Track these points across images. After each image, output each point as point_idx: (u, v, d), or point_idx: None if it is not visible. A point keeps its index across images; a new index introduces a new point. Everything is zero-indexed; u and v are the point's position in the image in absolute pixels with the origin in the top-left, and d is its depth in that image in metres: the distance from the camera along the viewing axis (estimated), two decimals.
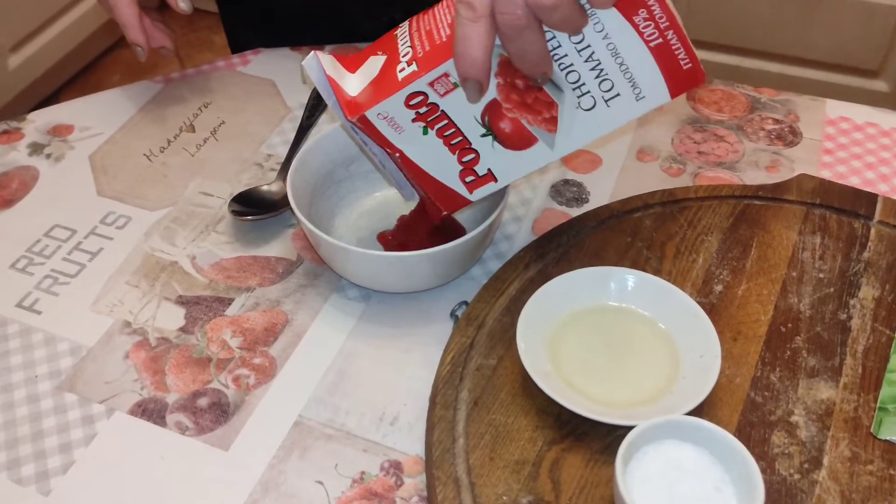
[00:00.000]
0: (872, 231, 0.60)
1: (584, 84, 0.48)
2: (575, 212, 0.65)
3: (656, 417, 0.44)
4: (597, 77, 0.48)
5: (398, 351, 0.56)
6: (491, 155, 0.52)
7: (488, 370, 0.52)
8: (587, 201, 0.66)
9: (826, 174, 0.67)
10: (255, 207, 0.64)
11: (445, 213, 0.56)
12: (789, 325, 0.54)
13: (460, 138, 0.51)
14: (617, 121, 0.50)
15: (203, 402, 0.53)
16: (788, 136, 0.71)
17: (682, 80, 0.48)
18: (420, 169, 0.53)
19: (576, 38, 0.46)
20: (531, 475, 0.47)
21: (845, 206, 0.61)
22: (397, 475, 0.49)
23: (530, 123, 0.50)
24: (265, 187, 0.65)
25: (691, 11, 1.58)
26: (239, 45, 0.90)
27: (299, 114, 0.74)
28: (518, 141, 0.51)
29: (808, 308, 0.55)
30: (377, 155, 0.54)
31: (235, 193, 0.65)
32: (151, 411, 0.52)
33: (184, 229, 0.64)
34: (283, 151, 0.70)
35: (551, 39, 0.47)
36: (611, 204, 0.63)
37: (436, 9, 0.51)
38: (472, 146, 0.52)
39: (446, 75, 0.48)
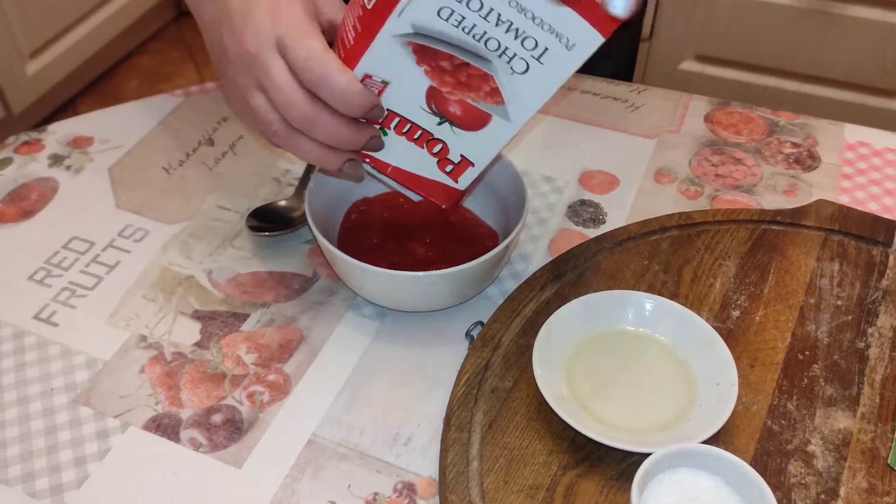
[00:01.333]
0: (891, 259, 0.59)
1: (507, 49, 0.46)
2: (592, 232, 0.65)
3: (672, 445, 0.44)
4: (516, 38, 0.46)
5: (413, 370, 0.56)
6: (456, 140, 0.52)
7: (503, 392, 0.52)
8: (604, 222, 0.66)
9: (844, 199, 0.67)
10: (272, 223, 0.64)
11: (445, 206, 0.57)
12: (807, 352, 0.54)
13: (420, 131, 0.51)
14: (560, 75, 0.47)
15: (217, 418, 0.53)
16: (807, 160, 0.71)
17: (605, 16, 0.43)
18: (404, 171, 0.54)
19: (475, 6, 0.44)
20: (546, 500, 0.47)
21: (864, 232, 0.61)
22: (410, 497, 0.49)
23: (476, 100, 0.49)
24: (282, 202, 0.66)
25: (707, 28, 1.59)
26: None
27: None
28: (473, 120, 0.50)
29: (825, 336, 0.55)
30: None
31: (253, 208, 0.65)
32: (166, 427, 0.53)
33: (200, 243, 0.64)
34: (299, 167, 0.70)
35: (452, 15, 0.45)
36: (628, 226, 0.63)
37: (348, 6, 0.50)
38: (435, 136, 0.51)
39: (368, 77, 0.48)
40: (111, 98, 2.09)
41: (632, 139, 0.73)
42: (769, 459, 0.49)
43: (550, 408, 0.48)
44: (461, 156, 0.53)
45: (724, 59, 1.62)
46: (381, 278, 0.54)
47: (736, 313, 0.56)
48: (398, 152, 0.53)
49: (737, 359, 0.52)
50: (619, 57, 0.90)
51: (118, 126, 0.75)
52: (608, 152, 0.72)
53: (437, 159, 0.53)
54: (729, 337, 0.55)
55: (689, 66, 1.66)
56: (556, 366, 0.51)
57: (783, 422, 0.50)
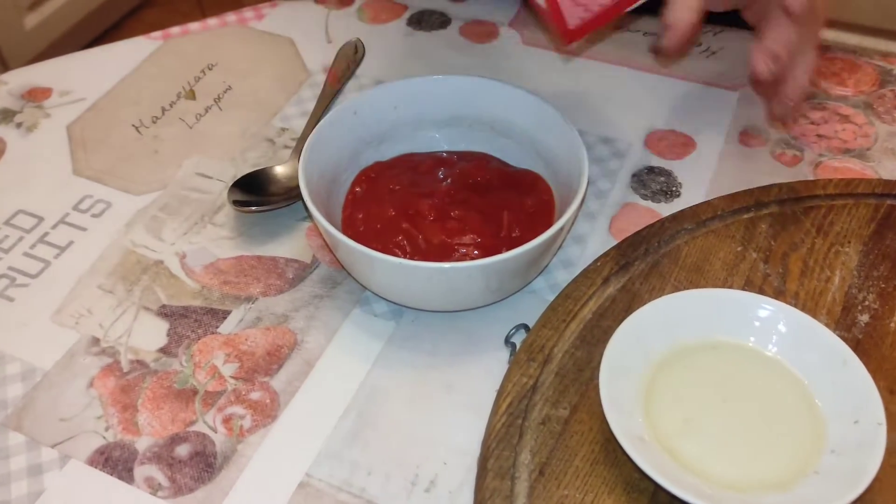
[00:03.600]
0: None
1: None
2: (663, 208, 0.51)
3: None
4: None
5: (437, 388, 0.43)
6: None
7: (558, 424, 0.39)
8: (678, 195, 0.52)
9: None
10: (261, 195, 0.51)
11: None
12: None
13: None
14: None
15: (183, 450, 0.41)
16: None
17: None
18: None
19: None
20: None
21: None
22: None
23: None
24: (277, 169, 0.53)
25: None
26: None
27: (321, 79, 0.61)
28: None
29: None
30: None
31: (239, 176, 0.52)
32: (116, 461, 0.40)
33: (174, 220, 0.51)
34: (300, 125, 0.57)
35: None
36: (713, 200, 0.49)
37: None
38: None
39: None
40: None
41: (708, 91, 0.59)
42: None
43: (623, 448, 0.36)
44: None
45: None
46: (394, 271, 0.41)
47: (864, 318, 0.43)
48: None
49: None
50: None
51: (83, 75, 0.62)
52: (680, 107, 0.58)
53: None
54: (858, 350, 0.41)
55: None
56: (631, 392, 0.38)
57: None
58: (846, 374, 0.37)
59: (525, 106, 0.49)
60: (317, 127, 0.47)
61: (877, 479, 0.36)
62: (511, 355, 0.43)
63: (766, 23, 0.48)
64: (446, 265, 0.40)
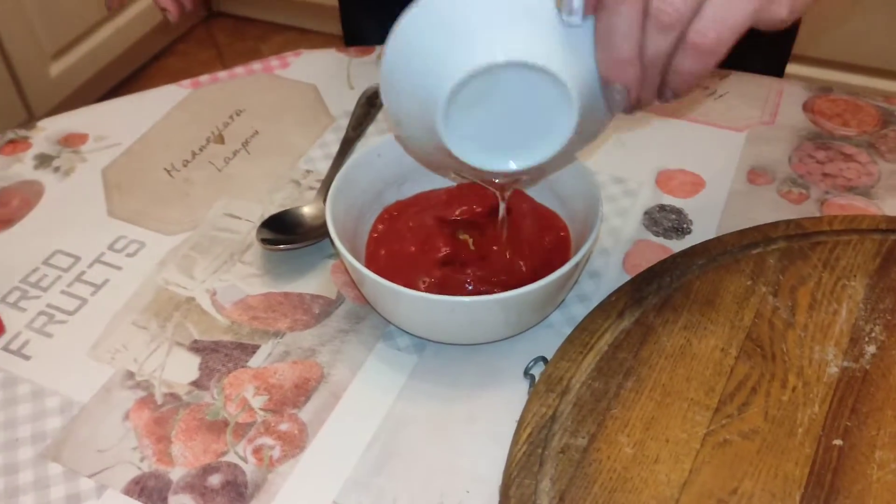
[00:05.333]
0: None
1: None
2: (674, 245, 0.53)
3: None
4: None
5: (459, 420, 0.45)
6: None
7: (577, 453, 0.40)
8: (689, 232, 0.54)
9: None
10: (288, 233, 0.53)
11: None
12: None
13: None
14: None
15: (215, 480, 0.42)
16: None
17: None
18: None
19: None
20: None
21: None
22: None
23: None
24: (303, 209, 0.55)
25: (813, 28, 1.42)
26: (354, 35, 0.83)
27: (344, 123, 0.63)
28: None
29: None
30: None
31: (267, 216, 0.55)
32: (151, 490, 0.42)
33: (205, 258, 0.54)
34: (324, 167, 0.60)
35: None
36: (723, 237, 0.51)
37: None
38: None
39: None
40: None
41: (716, 132, 0.61)
42: None
43: (641, 474, 0.37)
44: None
45: (830, 60, 1.45)
46: (418, 304, 0.43)
47: (871, 349, 0.44)
48: None
49: (878, 409, 0.41)
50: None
51: (117, 121, 0.65)
52: (689, 148, 0.60)
53: None
54: (865, 380, 0.43)
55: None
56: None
57: None
58: None
59: None
60: (343, 168, 0.49)
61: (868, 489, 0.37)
62: (530, 387, 0.45)
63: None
64: (467, 299, 0.42)
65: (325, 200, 0.56)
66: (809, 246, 0.50)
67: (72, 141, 0.63)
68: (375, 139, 0.62)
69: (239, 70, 0.70)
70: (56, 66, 1.80)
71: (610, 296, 0.48)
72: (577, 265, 0.44)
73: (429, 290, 0.47)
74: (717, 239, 0.51)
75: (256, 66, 0.70)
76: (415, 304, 0.43)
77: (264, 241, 0.52)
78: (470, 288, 0.46)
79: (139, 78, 2.07)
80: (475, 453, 0.43)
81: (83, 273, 0.53)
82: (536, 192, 0.53)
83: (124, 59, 2.00)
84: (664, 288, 0.48)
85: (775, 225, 0.51)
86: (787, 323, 0.46)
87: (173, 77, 2.14)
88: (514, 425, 0.43)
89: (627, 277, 0.51)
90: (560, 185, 0.51)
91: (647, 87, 0.39)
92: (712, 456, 0.40)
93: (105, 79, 1.97)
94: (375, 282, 0.43)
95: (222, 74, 0.69)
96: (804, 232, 0.51)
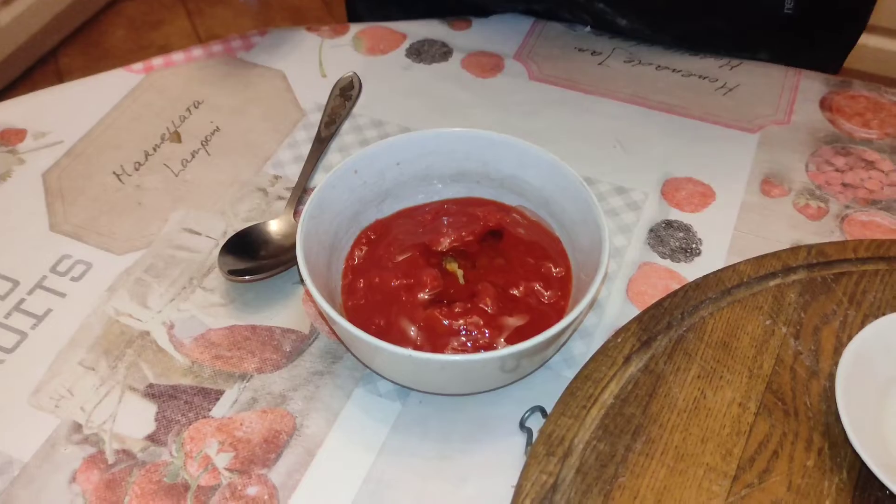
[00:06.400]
0: None
1: None
2: (683, 268, 0.48)
3: None
4: None
5: (449, 480, 0.40)
6: None
7: None
8: (698, 253, 0.49)
9: None
10: (255, 256, 0.47)
11: None
12: None
13: None
14: None
15: None
16: None
17: None
18: None
19: None
20: None
21: None
22: None
23: None
24: (271, 225, 0.49)
25: None
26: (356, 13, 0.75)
27: (315, 119, 0.57)
28: None
29: None
30: None
31: (230, 233, 0.49)
32: None
33: (160, 283, 0.48)
34: (293, 172, 0.54)
35: None
36: (738, 266, 0.46)
37: None
38: None
39: None
40: (96, 49, 1.90)
41: (727, 133, 0.56)
42: None
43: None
44: None
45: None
46: (402, 361, 0.38)
47: None
48: None
49: None
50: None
51: (59, 114, 0.58)
52: (697, 151, 0.55)
53: None
54: None
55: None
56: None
57: None
58: None
59: (538, 165, 0.46)
60: (315, 192, 0.43)
61: None
62: (527, 444, 0.40)
63: None
64: (460, 358, 0.37)
65: (295, 214, 0.50)
66: (833, 277, 0.45)
67: (8, 137, 0.56)
68: (350, 140, 0.55)
69: (197, 52, 0.62)
70: (6, 12, 1.68)
71: (615, 337, 0.43)
72: (582, 311, 0.39)
73: (414, 339, 0.41)
74: (732, 268, 0.46)
75: (216, 47, 0.63)
76: (399, 360, 0.38)
77: (231, 272, 0.46)
78: (462, 332, 0.41)
79: (97, 23, 1.95)
80: None
81: (23, 301, 0.47)
82: (534, 209, 0.47)
83: (80, 4, 1.88)
84: (674, 327, 0.43)
85: (795, 252, 0.46)
86: (810, 371, 0.41)
87: (133, 22, 2.02)
88: (510, 488, 0.39)
89: (632, 307, 0.46)
90: (559, 208, 0.45)
91: None
92: None
93: (61, 25, 1.85)
94: (353, 334, 0.38)
95: (178, 56, 0.62)
96: (827, 260, 0.46)
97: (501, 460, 0.40)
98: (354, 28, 0.64)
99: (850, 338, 0.42)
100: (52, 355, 0.45)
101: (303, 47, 0.63)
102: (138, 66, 0.61)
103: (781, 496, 0.37)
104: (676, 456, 0.38)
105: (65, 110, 0.58)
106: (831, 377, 0.41)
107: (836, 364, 0.41)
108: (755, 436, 0.39)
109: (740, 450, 0.39)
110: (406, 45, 0.63)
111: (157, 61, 0.62)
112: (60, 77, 1.78)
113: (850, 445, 0.38)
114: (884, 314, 0.43)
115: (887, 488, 0.36)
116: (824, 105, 0.57)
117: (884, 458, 0.37)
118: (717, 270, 0.46)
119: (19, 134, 0.57)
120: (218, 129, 0.57)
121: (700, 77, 0.60)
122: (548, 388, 0.43)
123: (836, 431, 0.39)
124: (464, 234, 0.45)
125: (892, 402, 0.39)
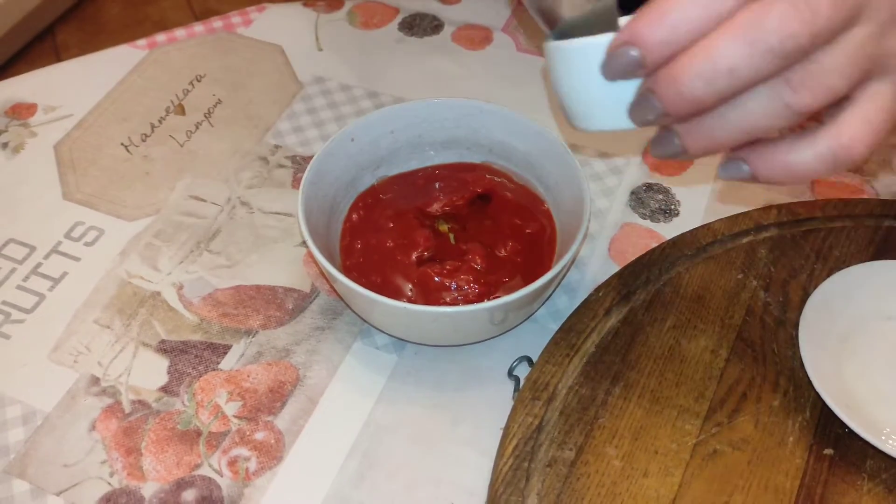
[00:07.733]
0: None
1: None
2: (662, 228, 0.51)
3: None
4: None
5: (442, 424, 0.43)
6: None
7: (564, 467, 0.39)
8: (677, 214, 0.52)
9: None
10: None
11: None
12: None
13: None
14: None
15: (189, 495, 0.41)
16: None
17: None
18: None
19: None
20: None
21: None
22: None
23: None
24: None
25: None
26: None
27: (313, 91, 0.59)
28: None
29: None
30: None
31: (234, 198, 0.51)
32: None
33: (169, 247, 0.51)
34: (293, 141, 0.56)
35: None
36: (712, 224, 0.49)
37: None
38: None
39: None
40: (92, 24, 1.91)
41: None
42: None
43: (632, 486, 0.36)
44: None
45: None
46: (398, 313, 0.41)
47: None
48: None
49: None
50: None
51: (67, 88, 0.60)
52: None
53: None
54: None
55: None
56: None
57: None
58: None
59: (525, 132, 0.48)
60: (314, 159, 0.46)
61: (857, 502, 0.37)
62: (515, 390, 0.44)
63: None
64: (451, 309, 0.40)
65: (294, 181, 0.52)
66: (801, 234, 0.48)
67: (19, 111, 0.59)
68: (347, 111, 0.58)
69: (198, 28, 0.65)
70: None
71: (596, 291, 0.46)
72: (564, 266, 0.42)
73: (409, 295, 0.44)
74: (707, 227, 0.49)
75: (217, 23, 0.65)
76: (395, 313, 0.41)
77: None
78: (453, 288, 0.44)
79: (87, 5, 1.96)
80: (459, 463, 0.42)
81: (39, 265, 0.50)
82: (521, 173, 0.50)
83: None
84: (652, 282, 0.46)
85: (766, 210, 0.49)
86: (778, 321, 0.44)
87: (125, 5, 2.03)
88: (499, 430, 0.42)
89: (613, 265, 0.49)
90: (544, 172, 0.48)
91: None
92: (702, 468, 0.39)
93: (55, 3, 1.86)
94: (352, 289, 0.41)
95: (180, 33, 0.64)
96: (796, 218, 0.49)
97: (491, 405, 0.44)
98: (349, 3, 0.67)
99: (815, 289, 0.45)
100: (69, 315, 0.48)
101: (299, 22, 0.65)
102: (142, 42, 0.64)
103: (749, 433, 0.40)
104: (652, 399, 0.42)
105: (73, 85, 0.60)
106: (797, 326, 0.44)
107: (802, 314, 0.44)
108: (725, 380, 0.42)
109: (711, 392, 0.42)
110: (399, 18, 0.65)
111: (160, 37, 0.64)
112: (57, 53, 1.80)
113: (813, 387, 0.41)
114: (849, 267, 0.46)
115: (846, 425, 0.39)
116: None
117: (843, 399, 0.40)
118: (694, 229, 0.49)
119: (30, 108, 0.59)
120: (220, 101, 0.59)
121: None
122: (534, 339, 0.46)
123: (801, 375, 0.42)
124: (454, 197, 0.48)
125: (851, 347, 0.42)
